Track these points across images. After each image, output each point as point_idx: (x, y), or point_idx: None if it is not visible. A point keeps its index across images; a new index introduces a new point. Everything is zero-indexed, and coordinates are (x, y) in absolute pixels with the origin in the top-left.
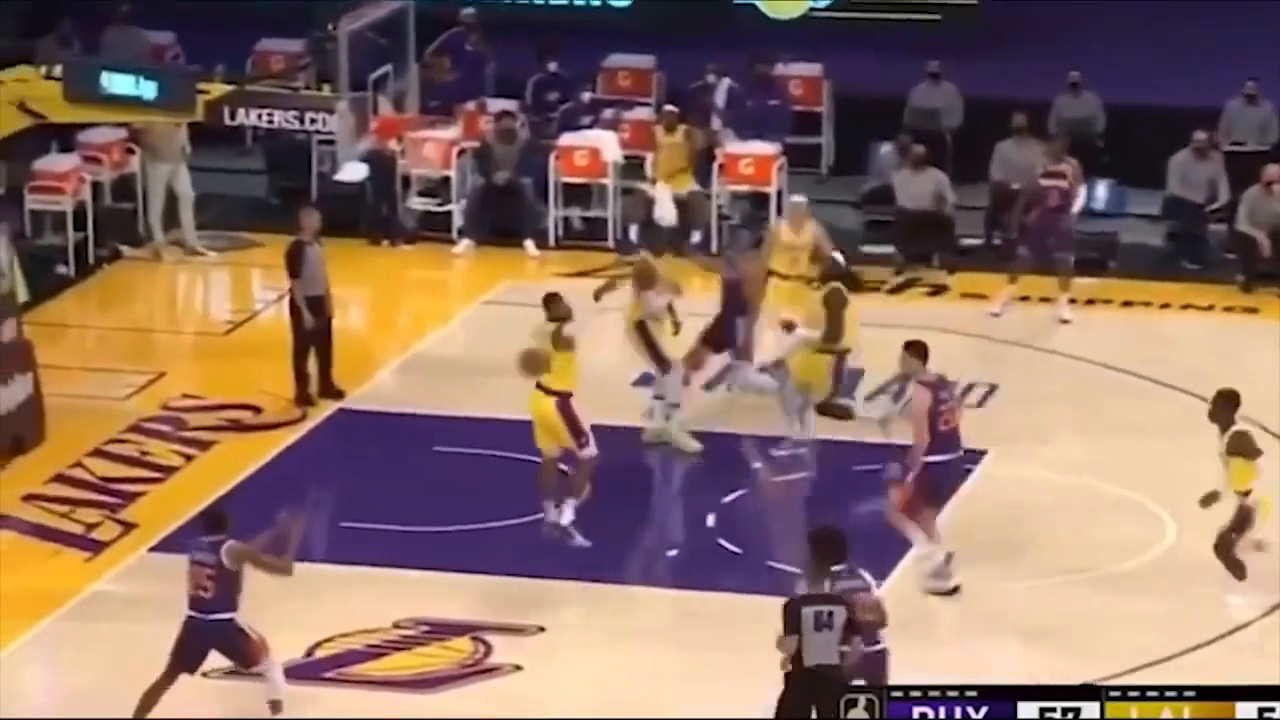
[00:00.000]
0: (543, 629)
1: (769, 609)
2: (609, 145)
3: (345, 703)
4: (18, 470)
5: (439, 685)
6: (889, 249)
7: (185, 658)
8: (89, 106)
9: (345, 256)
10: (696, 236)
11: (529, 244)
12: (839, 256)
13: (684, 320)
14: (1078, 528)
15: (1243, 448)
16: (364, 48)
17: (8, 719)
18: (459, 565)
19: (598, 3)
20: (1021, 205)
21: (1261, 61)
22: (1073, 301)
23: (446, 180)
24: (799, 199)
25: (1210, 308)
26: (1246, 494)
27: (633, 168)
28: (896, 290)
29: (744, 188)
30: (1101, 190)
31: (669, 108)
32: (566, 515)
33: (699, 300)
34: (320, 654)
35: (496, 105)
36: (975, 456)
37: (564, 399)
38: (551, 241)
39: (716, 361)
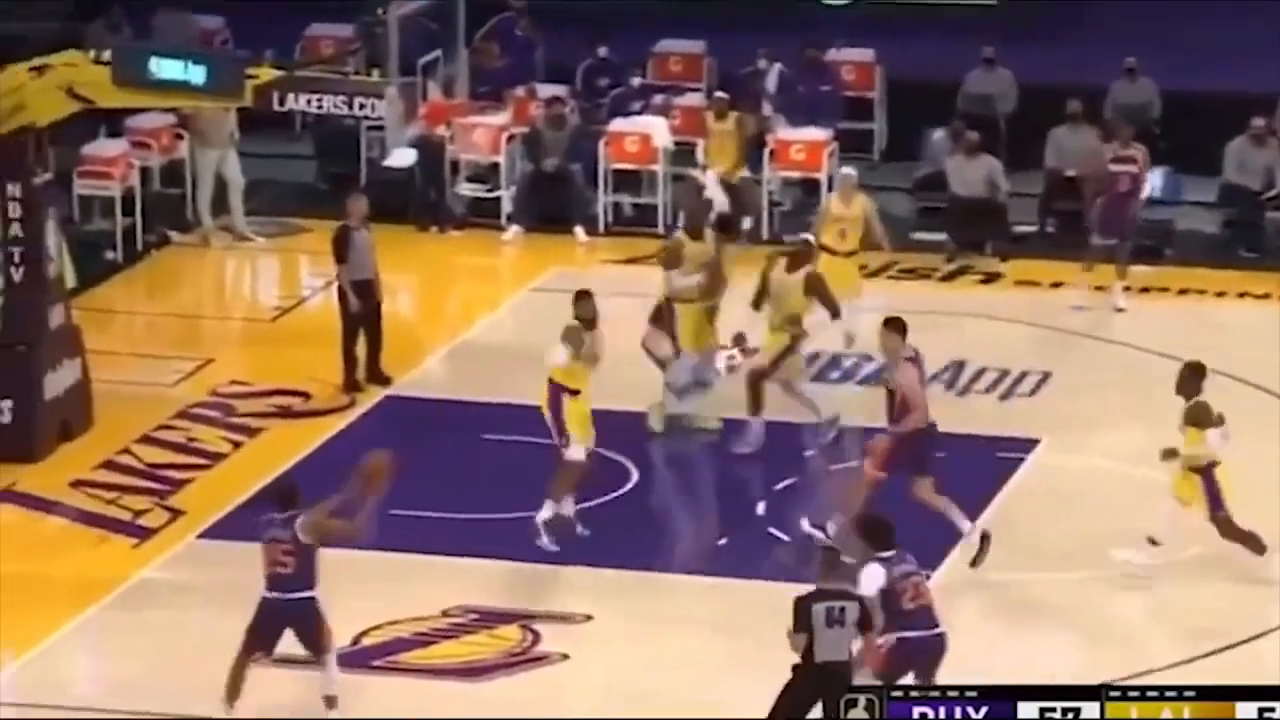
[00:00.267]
0: (590, 617)
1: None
2: (659, 131)
3: (393, 691)
4: (65, 456)
5: (487, 674)
6: (941, 236)
7: (261, 637)
8: (138, 91)
9: (394, 243)
10: (747, 223)
11: (578, 230)
12: (810, 236)
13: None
14: (1131, 517)
15: (1198, 418)
16: (414, 33)
17: (53, 707)
18: (508, 553)
19: None
20: (1091, 192)
21: None
22: (1127, 289)
23: (495, 166)
24: (849, 170)
25: (1266, 296)
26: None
27: (683, 154)
28: (948, 278)
29: (795, 174)
30: (1157, 177)
31: (720, 94)
32: (543, 514)
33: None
34: (367, 642)
35: (546, 91)
36: (1028, 445)
37: (556, 389)
38: (601, 228)
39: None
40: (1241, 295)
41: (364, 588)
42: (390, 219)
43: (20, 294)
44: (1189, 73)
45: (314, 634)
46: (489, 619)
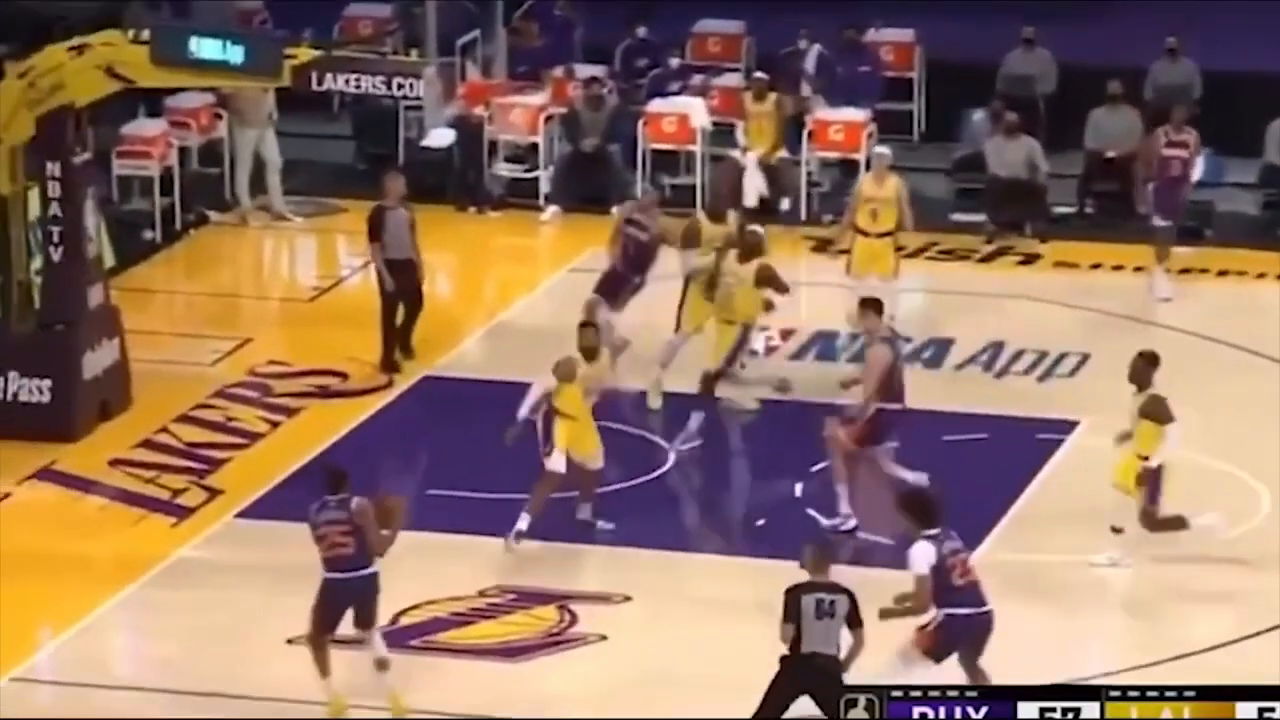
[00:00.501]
0: (629, 598)
1: (860, 580)
2: (698, 112)
3: (430, 670)
4: (104, 435)
5: (524, 654)
6: (980, 217)
7: (327, 618)
8: (176, 71)
9: (432, 223)
10: (786, 204)
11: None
12: (759, 229)
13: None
14: (1170, 500)
15: (1156, 412)
16: (452, 13)
17: (92, 685)
18: (545, 534)
19: None
20: (1142, 176)
21: None
22: (1168, 272)
23: (534, 146)
24: (884, 150)
25: None
26: (1146, 459)
27: (722, 134)
28: (987, 259)
29: (833, 154)
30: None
31: (759, 75)
32: (520, 524)
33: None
34: (406, 621)
35: (585, 71)
36: (1067, 426)
37: (549, 404)
38: None
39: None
40: None
41: (401, 568)
42: (428, 199)
43: (59, 274)
44: (1230, 53)
45: (373, 609)
46: (526, 599)
